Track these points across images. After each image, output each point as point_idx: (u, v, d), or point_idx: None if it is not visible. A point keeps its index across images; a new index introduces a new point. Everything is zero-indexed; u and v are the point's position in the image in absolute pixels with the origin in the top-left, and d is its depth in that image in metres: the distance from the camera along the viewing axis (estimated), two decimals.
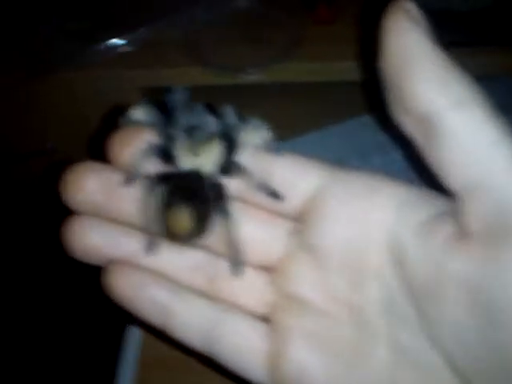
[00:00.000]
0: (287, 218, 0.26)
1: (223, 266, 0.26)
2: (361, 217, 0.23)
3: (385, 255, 0.22)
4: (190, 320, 0.25)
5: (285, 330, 0.25)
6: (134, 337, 0.46)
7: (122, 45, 0.64)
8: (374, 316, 0.23)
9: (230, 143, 0.26)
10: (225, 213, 0.25)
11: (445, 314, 0.20)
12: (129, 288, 0.25)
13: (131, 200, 0.25)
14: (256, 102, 0.71)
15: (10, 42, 0.68)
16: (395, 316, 0.22)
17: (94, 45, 0.64)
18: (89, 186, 0.25)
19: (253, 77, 0.59)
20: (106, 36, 0.65)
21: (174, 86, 0.27)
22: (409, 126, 0.21)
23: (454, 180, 0.20)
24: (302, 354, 0.24)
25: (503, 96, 0.45)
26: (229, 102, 0.26)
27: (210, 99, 0.28)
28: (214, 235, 0.25)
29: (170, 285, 0.26)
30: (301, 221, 0.25)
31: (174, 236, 0.25)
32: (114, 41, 0.64)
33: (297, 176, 0.25)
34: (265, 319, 0.26)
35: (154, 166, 0.26)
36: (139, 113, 0.26)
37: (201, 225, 0.25)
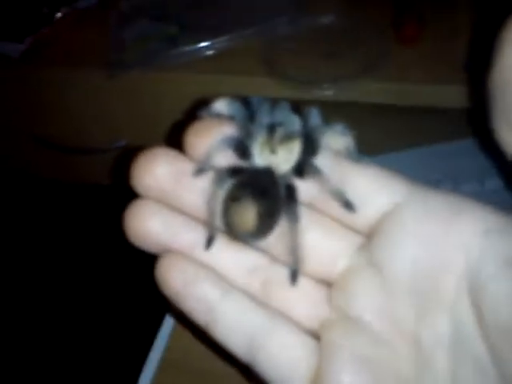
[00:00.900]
0: (358, 231, 0.24)
1: (280, 271, 0.24)
2: (439, 239, 0.21)
3: (461, 286, 0.21)
4: (236, 323, 0.24)
5: (334, 350, 0.23)
6: (168, 326, 0.46)
7: (204, 50, 0.65)
8: (438, 351, 0.21)
9: (311, 144, 0.24)
10: (293, 216, 0.24)
11: None
12: (180, 281, 0.24)
13: (198, 191, 0.25)
14: (329, 120, 0.70)
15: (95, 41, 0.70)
16: (463, 355, 0.20)
17: (175, 48, 0.65)
18: (159, 171, 0.25)
19: (328, 93, 0.58)
20: (189, 40, 0.66)
21: (253, 97, 0.26)
22: None
23: None
24: (346, 379, 0.22)
25: None
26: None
27: None
28: (277, 237, 0.24)
29: (222, 284, 0.25)
30: (372, 237, 0.23)
31: (235, 233, 0.24)
32: (196, 46, 0.65)
33: (375, 188, 0.23)
34: (315, 335, 0.24)
35: (228, 160, 0.25)
36: (222, 105, 0.26)
37: (265, 224, 0.24)
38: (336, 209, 0.24)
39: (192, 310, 0.25)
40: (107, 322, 1.03)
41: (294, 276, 0.24)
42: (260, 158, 0.25)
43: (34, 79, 0.70)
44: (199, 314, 0.25)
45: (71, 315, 1.05)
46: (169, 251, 0.25)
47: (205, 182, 0.25)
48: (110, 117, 0.72)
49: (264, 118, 0.25)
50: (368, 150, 0.60)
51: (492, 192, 0.52)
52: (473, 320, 0.20)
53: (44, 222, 1.12)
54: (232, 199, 0.24)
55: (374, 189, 0.23)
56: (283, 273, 0.24)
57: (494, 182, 0.53)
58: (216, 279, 0.25)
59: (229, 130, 0.25)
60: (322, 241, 0.24)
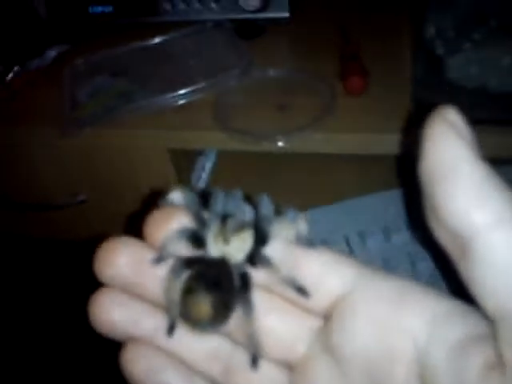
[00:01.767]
0: (313, 314, 0.25)
1: (242, 356, 0.25)
2: (387, 324, 0.22)
3: (411, 369, 0.21)
4: None
5: None
6: None
7: (157, 105, 0.66)
8: None
9: (262, 235, 0.26)
10: (247, 305, 0.25)
11: None
12: (144, 369, 0.25)
13: (158, 279, 0.25)
14: (282, 169, 0.72)
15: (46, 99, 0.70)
16: None
17: (129, 104, 0.66)
18: (120, 261, 0.26)
19: (280, 144, 0.60)
20: (142, 96, 0.67)
21: (211, 189, 0.27)
22: (442, 237, 0.21)
23: (486, 302, 0.19)
24: None
25: None
26: (252, 168, 0.27)
27: (235, 164, 0.28)
28: (235, 323, 0.25)
29: (184, 371, 0.26)
30: (327, 320, 0.24)
31: (193, 321, 0.25)
32: (150, 101, 0.66)
33: (326, 272, 0.24)
34: None
35: (185, 249, 0.26)
36: (177, 196, 0.27)
37: (221, 314, 0.25)
38: (290, 293, 0.24)
39: None
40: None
41: (254, 360, 0.25)
42: (214, 247, 0.26)
43: None
44: None
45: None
46: (131, 338, 0.26)
47: (164, 271, 0.26)
48: (69, 173, 0.72)
49: (217, 207, 0.27)
50: (319, 198, 0.62)
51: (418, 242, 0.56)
52: None
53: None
54: (187, 291, 0.25)
55: (324, 273, 0.24)
56: (244, 357, 0.25)
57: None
58: (179, 366, 0.26)
59: (184, 220, 0.26)
60: (279, 325, 0.25)
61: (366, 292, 0.23)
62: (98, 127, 0.65)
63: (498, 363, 0.18)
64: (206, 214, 0.27)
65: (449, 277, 0.49)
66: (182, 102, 0.66)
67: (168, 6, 0.77)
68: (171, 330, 0.25)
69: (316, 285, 0.24)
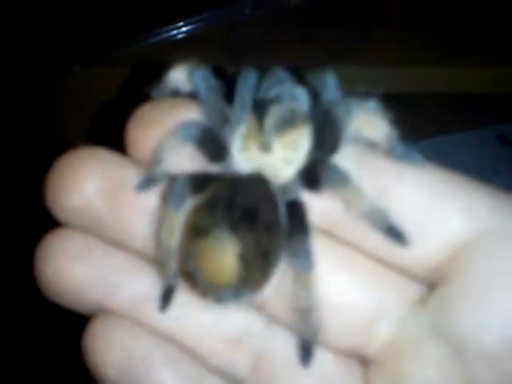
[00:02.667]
0: (410, 276, 0.17)
1: (282, 343, 0.17)
2: None
3: None
4: None
5: None
6: None
7: (161, 39, 0.57)
8: None
9: (329, 133, 0.16)
10: (303, 260, 0.15)
11: None
12: (121, 364, 0.16)
13: (145, 213, 0.17)
14: None
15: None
16: None
17: (124, 40, 0.58)
18: (86, 185, 0.17)
19: None
20: (140, 30, 0.59)
21: None
22: None
23: None
24: None
25: None
26: None
27: None
28: (275, 290, 0.16)
29: (189, 368, 0.17)
30: (437, 287, 0.16)
31: (205, 287, 0.16)
32: (147, 35, 0.58)
33: (439, 207, 0.16)
34: None
35: (191, 164, 0.16)
36: (181, 76, 0.17)
37: (256, 274, 0.15)
38: (374, 240, 0.16)
39: None
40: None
41: (307, 352, 0.16)
42: (244, 158, 0.16)
43: None
44: None
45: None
46: (103, 312, 0.17)
47: (155, 200, 0.16)
48: (53, 116, 0.65)
49: (248, 94, 0.16)
50: None
51: None
52: None
53: None
54: (197, 232, 0.15)
55: (437, 206, 0.16)
56: (288, 342, 0.16)
57: None
58: (180, 360, 0.17)
59: (191, 115, 0.16)
60: (352, 292, 0.17)
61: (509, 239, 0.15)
62: (89, 67, 0.57)
63: None
64: (228, 107, 0.17)
65: None
66: (184, 35, 0.57)
67: None
68: (167, 298, 0.17)
69: (421, 226, 0.16)
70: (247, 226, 0.15)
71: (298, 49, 0.55)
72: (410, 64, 0.52)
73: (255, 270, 0.15)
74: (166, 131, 0.16)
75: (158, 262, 0.17)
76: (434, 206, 0.16)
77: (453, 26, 0.54)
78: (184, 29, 0.58)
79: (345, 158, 0.16)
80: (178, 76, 0.17)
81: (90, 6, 0.60)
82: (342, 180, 0.15)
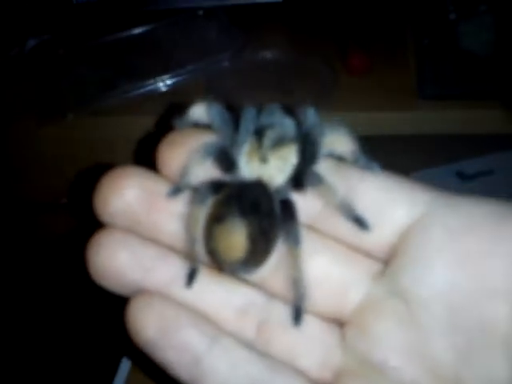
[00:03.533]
0: (372, 255, 0.20)
1: (280, 310, 0.21)
2: (481, 255, 0.18)
3: None
4: (228, 378, 0.20)
5: None
6: (124, 370, 0.43)
7: (143, 91, 0.61)
8: None
9: (310, 149, 0.20)
10: (293, 238, 0.20)
11: None
12: (157, 327, 0.20)
13: (175, 215, 0.21)
14: None
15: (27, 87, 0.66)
16: None
17: (112, 91, 0.61)
18: (128, 194, 0.21)
19: None
20: (127, 83, 0.62)
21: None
22: None
23: None
24: None
25: None
26: None
27: None
28: (274, 267, 0.20)
29: (209, 329, 0.20)
30: (391, 262, 0.20)
31: (222, 262, 0.20)
32: (135, 87, 0.61)
33: (391, 199, 0.20)
34: None
35: (210, 175, 0.21)
36: (200, 111, 0.22)
37: (259, 250, 0.20)
38: (344, 228, 0.20)
39: (172, 362, 0.20)
40: (60, 365, 0.93)
41: (297, 315, 0.20)
42: (248, 168, 0.21)
43: None
44: (182, 367, 0.20)
45: (23, 354, 0.95)
46: (142, 291, 0.21)
47: (182, 205, 0.21)
48: (48, 171, 0.68)
49: (250, 123, 0.21)
50: None
51: None
52: None
53: None
54: (216, 219, 0.20)
55: (389, 200, 0.20)
56: (284, 312, 0.20)
57: None
58: (202, 323, 0.20)
59: (209, 139, 0.21)
60: (330, 269, 0.20)
61: (448, 219, 0.19)
62: (80, 116, 0.60)
63: None
64: (236, 134, 0.21)
65: None
66: (169, 87, 0.61)
67: None
68: (191, 277, 0.21)
69: (378, 215, 0.19)
70: (253, 215, 0.20)
71: (274, 99, 0.59)
72: (373, 108, 0.55)
73: (260, 247, 0.20)
74: (190, 151, 0.20)
75: (184, 248, 0.21)
76: (387, 199, 0.20)
77: (411, 72, 0.58)
78: (168, 81, 0.61)
79: (322, 167, 0.20)
80: (198, 111, 0.22)
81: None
82: (320, 182, 0.20)
